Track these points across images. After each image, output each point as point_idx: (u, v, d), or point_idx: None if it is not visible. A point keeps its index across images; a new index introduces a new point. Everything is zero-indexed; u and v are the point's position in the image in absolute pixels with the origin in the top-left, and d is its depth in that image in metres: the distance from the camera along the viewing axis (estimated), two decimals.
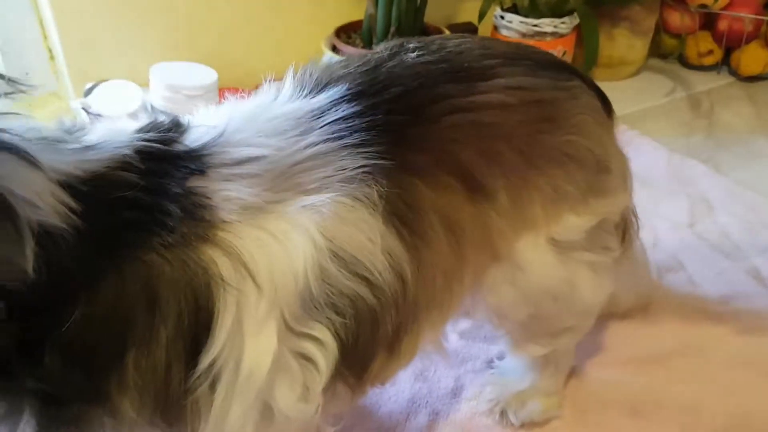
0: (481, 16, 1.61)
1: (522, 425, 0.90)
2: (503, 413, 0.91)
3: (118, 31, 1.41)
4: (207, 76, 1.29)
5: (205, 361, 0.53)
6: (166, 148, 0.55)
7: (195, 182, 0.54)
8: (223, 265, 0.53)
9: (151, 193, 0.52)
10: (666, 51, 1.88)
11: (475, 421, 0.91)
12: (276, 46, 1.53)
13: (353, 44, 1.47)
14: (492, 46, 0.71)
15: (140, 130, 0.56)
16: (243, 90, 0.68)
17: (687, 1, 1.77)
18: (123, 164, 0.52)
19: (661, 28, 1.83)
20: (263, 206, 0.55)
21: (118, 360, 0.51)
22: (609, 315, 0.95)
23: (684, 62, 1.86)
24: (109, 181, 0.51)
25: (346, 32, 1.52)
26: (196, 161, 0.55)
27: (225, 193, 0.54)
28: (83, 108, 1.25)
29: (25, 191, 0.45)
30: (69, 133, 0.54)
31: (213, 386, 0.54)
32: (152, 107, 1.24)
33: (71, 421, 0.52)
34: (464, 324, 0.99)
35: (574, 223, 0.72)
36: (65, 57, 1.40)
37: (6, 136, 0.46)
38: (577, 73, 0.74)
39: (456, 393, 0.95)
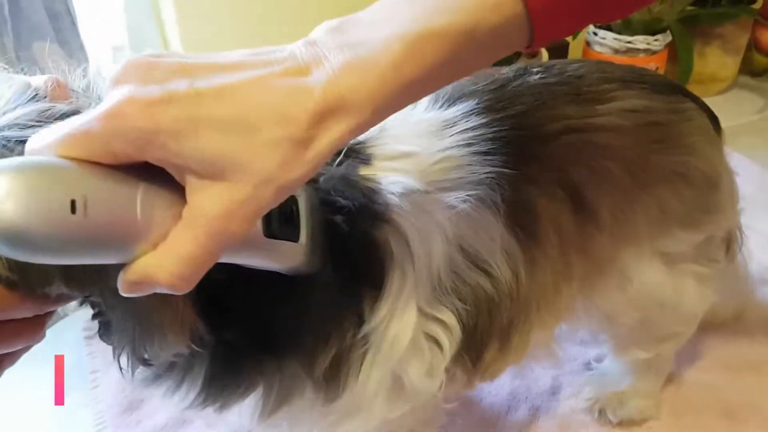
0: (576, 32, 1.64)
1: (620, 423, 0.94)
2: (602, 411, 0.95)
3: (239, 34, 1.47)
4: None
5: (366, 329, 0.59)
6: None
7: (365, 170, 0.60)
8: (395, 244, 0.59)
9: (340, 176, 0.57)
10: (757, 69, 1.87)
11: (573, 417, 0.96)
12: None
13: None
14: (610, 70, 0.75)
15: None
16: None
17: None
18: None
19: (753, 46, 1.83)
20: (415, 196, 0.60)
21: (299, 321, 0.57)
22: (705, 323, 0.98)
23: None
24: None
25: None
26: (362, 152, 0.61)
27: (388, 180, 0.60)
28: None
29: None
30: None
31: (366, 352, 0.60)
32: None
33: (242, 371, 0.58)
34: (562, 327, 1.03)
35: (681, 238, 0.76)
36: None
37: None
38: (690, 95, 0.78)
39: (554, 391, 1.00)
